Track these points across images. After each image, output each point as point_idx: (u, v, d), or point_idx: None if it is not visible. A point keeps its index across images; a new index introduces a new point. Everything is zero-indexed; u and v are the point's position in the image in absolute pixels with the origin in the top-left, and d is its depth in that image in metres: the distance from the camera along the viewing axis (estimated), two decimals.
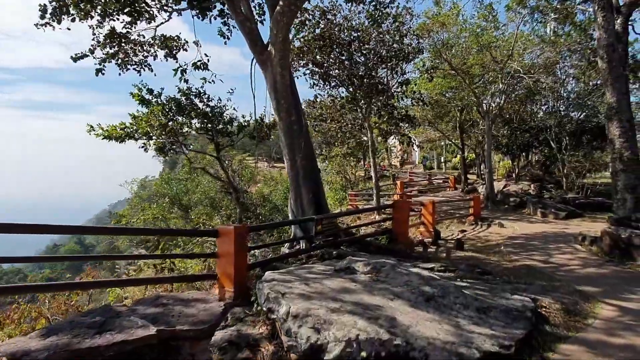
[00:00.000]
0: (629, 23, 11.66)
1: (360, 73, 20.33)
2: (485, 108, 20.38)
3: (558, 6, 18.90)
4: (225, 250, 5.98)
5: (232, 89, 15.83)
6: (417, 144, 50.22)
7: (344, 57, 20.41)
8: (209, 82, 13.20)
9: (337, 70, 20.76)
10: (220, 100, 15.49)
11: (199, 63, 13.42)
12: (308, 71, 21.04)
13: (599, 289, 6.76)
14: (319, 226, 7.94)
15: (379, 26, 19.01)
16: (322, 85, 21.65)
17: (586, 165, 21.43)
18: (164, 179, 29.18)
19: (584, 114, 25.94)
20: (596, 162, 21.64)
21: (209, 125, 14.19)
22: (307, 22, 17.96)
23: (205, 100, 14.83)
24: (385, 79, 20.89)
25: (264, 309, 4.69)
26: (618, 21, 11.15)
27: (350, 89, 21.06)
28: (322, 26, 18.38)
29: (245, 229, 6.23)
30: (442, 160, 51.78)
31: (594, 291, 6.60)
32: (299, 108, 9.90)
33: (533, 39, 20.88)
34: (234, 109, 16.81)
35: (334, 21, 18.68)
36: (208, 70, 13.46)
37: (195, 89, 15.10)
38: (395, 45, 20.08)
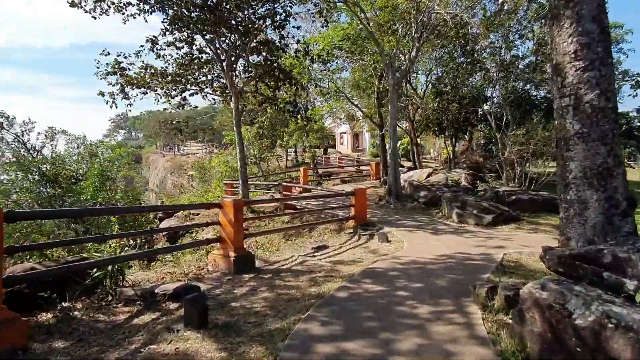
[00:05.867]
0: None
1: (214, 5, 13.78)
2: (390, 62, 14.09)
3: None
4: None
5: None
6: (364, 129, 44.30)
7: None
8: None
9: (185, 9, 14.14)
10: None
11: None
12: (148, 6, 14.35)
13: None
14: None
15: None
16: (171, 30, 15.02)
17: (529, 148, 15.62)
18: None
19: (533, 84, 20.28)
20: (544, 142, 15.85)
21: None
22: None
23: None
24: (247, 18, 14.38)
25: None
26: None
27: (206, 32, 14.45)
28: None
29: None
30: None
31: None
32: None
33: None
34: None
35: None
36: None
37: None
38: None
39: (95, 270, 5.32)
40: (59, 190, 15.74)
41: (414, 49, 14.11)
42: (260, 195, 19.31)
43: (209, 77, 15.96)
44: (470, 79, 20.99)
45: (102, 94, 15.66)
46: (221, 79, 15.81)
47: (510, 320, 4.15)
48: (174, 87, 15.78)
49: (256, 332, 4.25)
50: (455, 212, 11.57)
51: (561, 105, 4.79)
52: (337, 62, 20.59)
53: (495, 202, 12.26)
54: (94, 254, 5.81)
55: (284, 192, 15.36)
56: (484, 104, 20.13)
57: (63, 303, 4.89)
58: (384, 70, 18.25)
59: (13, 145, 18.55)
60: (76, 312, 4.74)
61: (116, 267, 5.50)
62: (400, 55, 15.45)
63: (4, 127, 17.78)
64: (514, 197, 12.75)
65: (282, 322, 4.51)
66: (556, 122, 5.02)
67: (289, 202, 14.43)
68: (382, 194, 15.72)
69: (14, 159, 17.10)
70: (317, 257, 8.32)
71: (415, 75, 25.65)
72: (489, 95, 20.09)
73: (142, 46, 14.90)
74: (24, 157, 17.18)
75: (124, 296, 5.18)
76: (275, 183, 17.95)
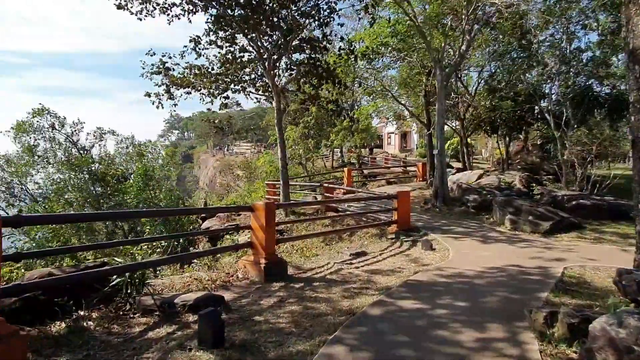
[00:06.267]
0: None
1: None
2: (437, 56, 13.26)
3: None
4: None
5: None
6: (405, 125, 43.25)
7: None
8: None
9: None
10: None
11: None
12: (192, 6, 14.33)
13: None
14: None
15: None
16: (214, 30, 14.92)
17: (592, 148, 14.31)
18: None
19: (596, 79, 18.69)
20: (610, 142, 14.48)
21: None
22: None
23: None
24: (290, 15, 14.05)
25: None
26: None
27: (248, 31, 14.22)
28: None
29: None
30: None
31: None
32: None
33: None
34: None
35: None
36: None
37: None
38: None
39: (115, 277, 5.07)
40: (107, 189, 16.11)
41: (465, 43, 13.21)
42: (304, 197, 18.99)
43: (252, 76, 15.78)
44: (527, 75, 19.67)
45: (148, 94, 15.85)
46: (263, 78, 15.58)
47: (574, 355, 3.48)
48: (218, 87, 15.72)
49: (275, 355, 3.81)
50: (508, 218, 10.66)
51: (639, 99, 4.02)
52: (383, 60, 19.85)
53: (554, 208, 11.23)
54: (114, 259, 5.57)
55: (325, 194, 14.90)
56: (541, 101, 18.79)
57: (79, 311, 4.66)
58: (433, 66, 17.36)
59: (64, 145, 19.31)
60: (90, 322, 4.48)
61: (138, 273, 5.24)
62: (450, 50, 14.59)
63: (55, 128, 18.51)
64: (574, 203, 11.64)
65: (305, 343, 4.04)
66: (632, 118, 4.25)
67: (330, 204, 13.98)
68: (428, 196, 14.95)
69: (66, 159, 17.75)
70: (355, 264, 7.79)
71: (466, 72, 24.51)
72: (546, 91, 18.73)
73: (185, 46, 14.92)
74: (76, 157, 17.77)
75: (143, 305, 4.89)
76: (317, 184, 17.49)
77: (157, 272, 7.96)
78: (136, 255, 5.67)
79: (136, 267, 5.20)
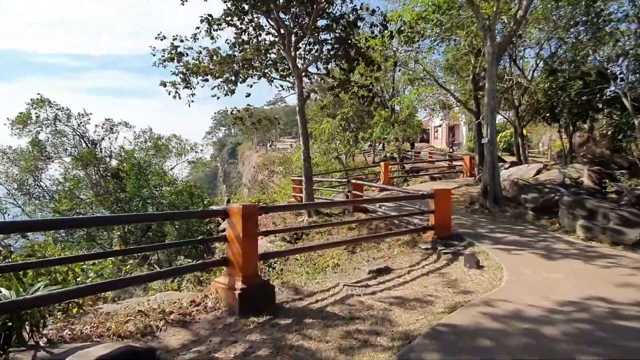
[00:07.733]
0: None
1: None
2: (487, 24, 10.88)
3: None
4: None
5: None
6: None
7: None
8: None
9: None
10: None
11: None
12: None
13: None
14: None
15: None
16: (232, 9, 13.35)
17: None
18: None
19: None
20: None
21: None
22: None
23: None
24: None
25: None
26: None
27: (263, 5, 12.51)
28: None
29: None
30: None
31: None
32: None
33: None
34: None
35: None
36: None
37: None
38: None
39: None
40: (119, 185, 14.99)
41: (522, 7, 10.77)
42: (336, 194, 17.18)
43: (275, 59, 14.13)
44: (595, 54, 16.73)
45: (163, 84, 14.56)
46: (285, 61, 13.87)
47: None
48: (237, 73, 14.19)
49: None
50: (579, 223, 8.30)
51: None
52: (424, 41, 17.53)
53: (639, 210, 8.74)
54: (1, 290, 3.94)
55: (353, 192, 12.98)
56: (614, 82, 15.88)
57: None
58: (481, 42, 14.81)
59: (71, 137, 18.45)
60: None
61: (28, 313, 3.60)
62: (503, 17, 12.16)
63: (59, 119, 17.59)
64: None
65: None
66: None
67: (358, 204, 12.11)
68: (476, 195, 12.68)
69: (76, 154, 16.89)
70: (371, 287, 5.87)
71: (522, 55, 21.68)
72: (623, 71, 15.82)
73: (197, 28, 13.46)
74: (83, 153, 16.88)
75: None
76: (344, 180, 15.58)
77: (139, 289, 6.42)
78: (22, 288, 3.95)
79: (19, 304, 3.54)
